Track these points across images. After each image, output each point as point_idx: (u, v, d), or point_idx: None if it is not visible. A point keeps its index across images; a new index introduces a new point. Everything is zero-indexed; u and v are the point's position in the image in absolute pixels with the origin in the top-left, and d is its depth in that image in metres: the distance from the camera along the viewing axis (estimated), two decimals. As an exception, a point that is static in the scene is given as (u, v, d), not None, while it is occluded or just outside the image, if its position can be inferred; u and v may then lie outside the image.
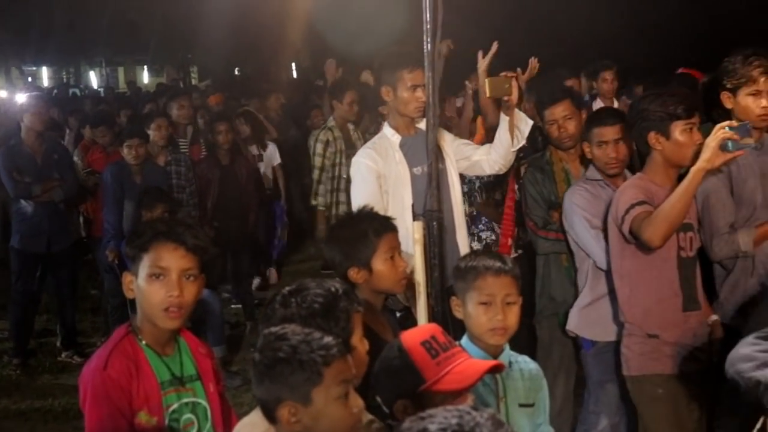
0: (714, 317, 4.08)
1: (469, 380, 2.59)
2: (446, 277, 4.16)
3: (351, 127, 7.42)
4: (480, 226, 5.94)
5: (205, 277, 2.96)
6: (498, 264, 3.12)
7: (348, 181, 6.98)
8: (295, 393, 2.30)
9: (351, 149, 7.17)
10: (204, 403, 2.97)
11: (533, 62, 5.91)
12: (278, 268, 9.79)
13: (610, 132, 4.39)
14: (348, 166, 6.94)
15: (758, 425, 2.83)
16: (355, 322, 2.73)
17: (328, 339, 2.36)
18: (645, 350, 3.96)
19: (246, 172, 8.06)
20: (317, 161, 7.18)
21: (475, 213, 5.92)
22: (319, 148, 7.20)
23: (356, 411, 2.39)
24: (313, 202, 7.22)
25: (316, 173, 7.19)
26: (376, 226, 3.40)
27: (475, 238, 5.89)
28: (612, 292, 4.23)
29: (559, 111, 4.86)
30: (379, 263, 3.34)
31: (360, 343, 2.73)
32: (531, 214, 4.83)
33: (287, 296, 2.72)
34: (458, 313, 3.18)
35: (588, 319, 4.41)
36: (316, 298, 2.69)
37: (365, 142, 6.77)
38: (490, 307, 3.07)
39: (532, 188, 4.84)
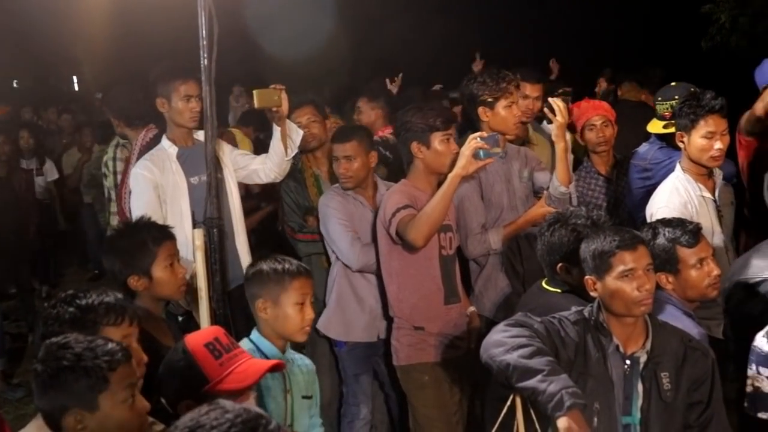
0: (471, 308, 4.25)
1: (251, 379, 2.60)
2: (227, 281, 4.14)
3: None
4: None
5: None
6: (304, 266, 3.25)
7: None
8: (80, 400, 2.20)
9: None
10: None
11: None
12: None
13: (341, 149, 4.41)
14: None
15: (508, 402, 2.99)
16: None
17: (112, 345, 2.28)
18: (412, 342, 4.07)
19: (25, 184, 7.61)
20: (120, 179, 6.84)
21: None
22: (120, 166, 6.86)
23: (142, 413, 2.33)
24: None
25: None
26: (155, 234, 3.34)
27: None
28: (357, 295, 4.37)
29: (304, 114, 4.86)
30: (158, 271, 3.28)
31: (138, 345, 2.67)
32: (288, 220, 4.82)
33: (69, 299, 2.61)
34: (265, 314, 3.17)
35: (336, 319, 4.45)
36: (101, 297, 2.62)
37: None
38: (303, 307, 3.15)
39: (287, 197, 4.82)
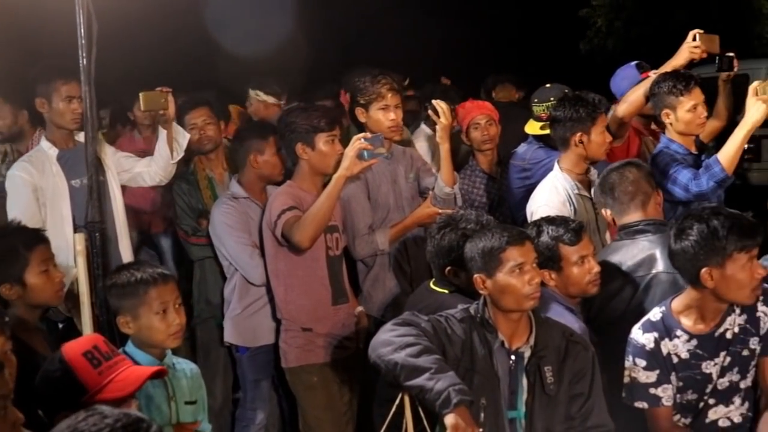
0: (359, 308, 4.25)
1: (131, 387, 2.52)
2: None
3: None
4: None
5: None
6: (159, 271, 3.05)
7: None
8: None
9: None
10: None
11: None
12: None
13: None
14: None
15: (397, 401, 2.99)
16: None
17: None
18: (300, 343, 4.03)
19: None
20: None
21: None
22: None
23: (15, 425, 2.22)
24: None
25: None
26: (26, 239, 3.19)
27: None
28: (260, 300, 4.26)
29: (199, 115, 4.76)
30: (32, 277, 3.14)
31: (8, 355, 2.54)
32: (181, 223, 4.70)
33: None
34: (129, 330, 3.02)
35: (240, 327, 4.34)
36: None
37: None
38: (166, 314, 2.99)
39: (180, 200, 4.70)
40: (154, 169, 4.53)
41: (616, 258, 3.66)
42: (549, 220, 3.49)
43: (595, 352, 3.14)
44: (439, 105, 4.28)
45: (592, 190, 4.20)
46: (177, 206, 4.75)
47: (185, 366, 3.20)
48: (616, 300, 3.62)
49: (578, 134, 4.13)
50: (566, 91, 4.78)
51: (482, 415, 2.93)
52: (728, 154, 4.04)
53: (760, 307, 3.19)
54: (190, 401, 3.13)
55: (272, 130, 4.38)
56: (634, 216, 3.67)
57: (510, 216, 4.89)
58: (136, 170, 4.56)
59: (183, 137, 4.52)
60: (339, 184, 3.87)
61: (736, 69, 4.73)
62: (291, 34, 11.98)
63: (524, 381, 3.01)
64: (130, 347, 3.02)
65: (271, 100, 6.15)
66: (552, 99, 4.76)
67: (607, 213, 3.81)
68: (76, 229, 3.98)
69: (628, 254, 3.62)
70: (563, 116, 4.18)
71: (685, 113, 4.20)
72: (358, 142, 3.86)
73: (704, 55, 4.55)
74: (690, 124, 4.23)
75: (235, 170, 4.51)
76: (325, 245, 4.02)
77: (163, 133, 4.46)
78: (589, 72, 8.93)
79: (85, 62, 3.81)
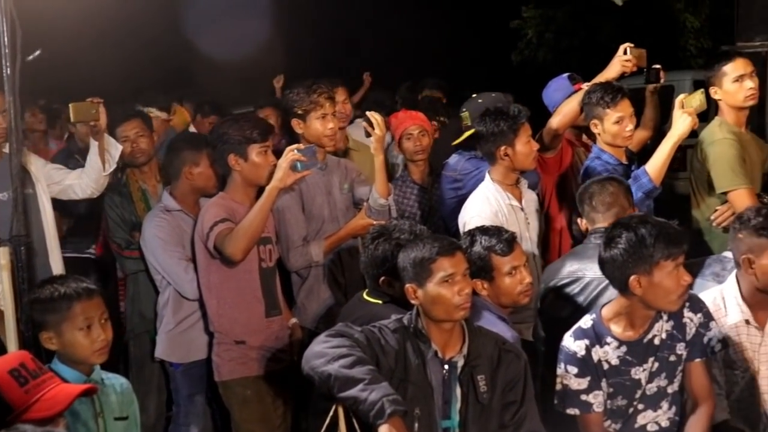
0: (293, 320, 4.21)
1: (60, 406, 2.45)
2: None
3: None
4: None
5: None
6: (84, 285, 2.97)
7: None
8: None
9: None
10: None
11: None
12: None
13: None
14: None
15: (331, 413, 2.98)
16: None
17: None
18: (233, 356, 3.98)
19: None
20: None
21: None
22: None
23: None
24: None
25: None
26: None
27: None
28: (194, 315, 4.21)
29: (131, 128, 4.70)
30: None
31: None
32: (114, 236, 4.63)
33: None
34: (53, 345, 2.94)
35: (174, 343, 4.28)
36: None
37: None
38: (91, 330, 2.93)
39: (112, 212, 4.62)
40: (85, 181, 4.46)
41: (578, 259, 3.71)
42: (483, 230, 3.51)
43: (542, 350, 3.15)
44: (374, 116, 4.28)
45: (524, 201, 4.25)
46: (109, 219, 4.68)
47: (115, 381, 3.13)
48: (568, 298, 3.67)
49: (502, 148, 4.18)
50: (489, 102, 4.81)
51: (416, 425, 2.94)
52: (656, 165, 4.13)
53: (686, 314, 3.26)
54: (120, 417, 3.06)
55: (205, 141, 4.35)
56: (606, 223, 3.69)
57: (442, 226, 4.92)
58: (66, 182, 4.48)
59: (115, 149, 4.46)
60: (272, 196, 3.84)
61: (662, 81, 4.86)
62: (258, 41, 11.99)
63: (458, 390, 3.02)
64: (56, 363, 2.94)
65: (164, 116, 6.11)
66: (464, 110, 4.84)
67: (582, 222, 3.86)
68: (0, 243, 3.87)
69: (592, 257, 3.62)
70: (486, 132, 4.22)
71: (611, 125, 4.28)
72: (291, 153, 3.84)
73: (635, 69, 4.66)
74: (616, 136, 4.31)
75: (168, 182, 4.45)
76: (258, 257, 3.98)
77: (94, 145, 4.40)
78: (520, 82, 9.05)
79: (9, 71, 3.71)
